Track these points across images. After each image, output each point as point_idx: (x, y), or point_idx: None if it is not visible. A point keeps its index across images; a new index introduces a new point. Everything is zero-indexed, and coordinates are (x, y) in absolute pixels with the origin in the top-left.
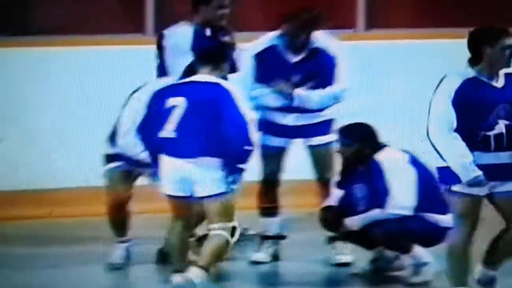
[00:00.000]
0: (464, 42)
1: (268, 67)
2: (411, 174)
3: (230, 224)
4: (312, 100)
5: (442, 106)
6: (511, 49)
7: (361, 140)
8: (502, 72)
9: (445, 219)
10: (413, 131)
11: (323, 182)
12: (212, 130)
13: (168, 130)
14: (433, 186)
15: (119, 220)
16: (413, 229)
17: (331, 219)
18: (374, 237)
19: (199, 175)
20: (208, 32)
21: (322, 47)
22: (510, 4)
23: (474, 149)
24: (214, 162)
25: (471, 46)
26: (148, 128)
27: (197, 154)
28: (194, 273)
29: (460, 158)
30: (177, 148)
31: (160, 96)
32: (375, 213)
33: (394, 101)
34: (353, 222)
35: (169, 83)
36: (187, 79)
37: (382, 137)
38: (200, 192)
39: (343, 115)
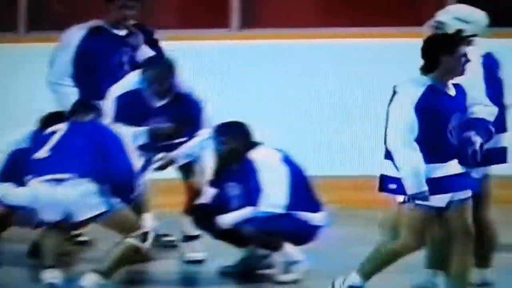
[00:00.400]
0: (335, 41)
1: (131, 111)
2: (284, 173)
3: (141, 231)
4: (192, 153)
5: (405, 114)
6: (467, 58)
7: (236, 138)
8: (450, 81)
9: (316, 218)
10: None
11: (190, 183)
12: (93, 158)
13: (44, 151)
14: (304, 184)
15: None
16: (285, 227)
17: (203, 217)
18: (245, 235)
19: (76, 197)
20: (114, 31)
21: (186, 92)
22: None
23: (432, 159)
24: (91, 183)
25: (427, 53)
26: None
27: (74, 172)
28: (89, 278)
29: (414, 169)
30: (51, 167)
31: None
32: (247, 211)
33: (263, 103)
34: (225, 220)
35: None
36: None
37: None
38: (78, 215)
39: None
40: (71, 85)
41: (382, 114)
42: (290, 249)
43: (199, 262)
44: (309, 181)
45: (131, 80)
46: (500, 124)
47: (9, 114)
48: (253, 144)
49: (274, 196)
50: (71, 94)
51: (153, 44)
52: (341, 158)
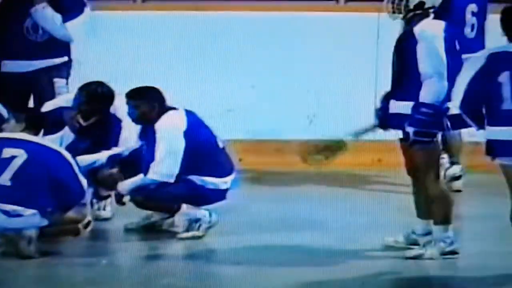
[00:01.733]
0: None
1: (58, 126)
2: (181, 144)
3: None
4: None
5: None
6: None
7: (146, 103)
8: None
9: (215, 181)
10: None
11: None
12: (51, 192)
13: (4, 179)
14: (211, 149)
15: None
16: (178, 193)
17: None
18: (137, 201)
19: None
20: None
21: (111, 113)
22: None
23: None
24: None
25: None
26: None
27: (34, 207)
28: None
29: None
30: (12, 198)
31: None
32: (138, 179)
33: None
34: (123, 187)
35: None
36: (25, 136)
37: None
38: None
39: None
40: None
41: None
42: (189, 210)
43: (106, 219)
44: (218, 145)
45: (64, 98)
46: None
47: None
48: (164, 109)
49: (165, 166)
50: None
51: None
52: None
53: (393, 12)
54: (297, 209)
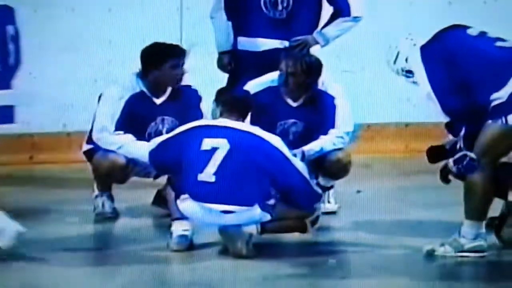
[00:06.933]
0: None
1: (267, 110)
2: None
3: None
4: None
5: None
6: None
7: None
8: None
9: None
10: None
11: None
12: (262, 183)
13: (207, 174)
14: None
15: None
16: None
17: None
18: None
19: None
20: None
21: (322, 90)
22: None
23: None
24: (258, 210)
25: None
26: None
27: (242, 204)
28: None
29: None
30: (217, 196)
31: (195, 134)
32: None
33: None
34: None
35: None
36: (226, 123)
37: None
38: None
39: None
40: (224, 19)
41: None
42: None
43: (332, 213)
44: None
45: (269, 77)
46: None
47: None
48: None
49: None
50: (223, 27)
51: None
52: None
53: None
54: None
